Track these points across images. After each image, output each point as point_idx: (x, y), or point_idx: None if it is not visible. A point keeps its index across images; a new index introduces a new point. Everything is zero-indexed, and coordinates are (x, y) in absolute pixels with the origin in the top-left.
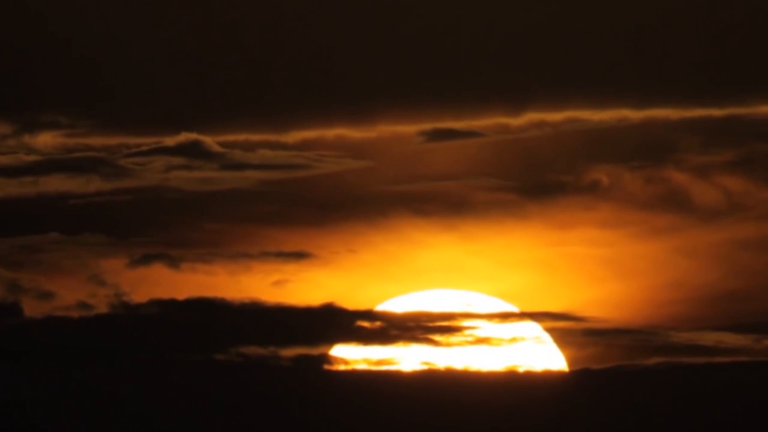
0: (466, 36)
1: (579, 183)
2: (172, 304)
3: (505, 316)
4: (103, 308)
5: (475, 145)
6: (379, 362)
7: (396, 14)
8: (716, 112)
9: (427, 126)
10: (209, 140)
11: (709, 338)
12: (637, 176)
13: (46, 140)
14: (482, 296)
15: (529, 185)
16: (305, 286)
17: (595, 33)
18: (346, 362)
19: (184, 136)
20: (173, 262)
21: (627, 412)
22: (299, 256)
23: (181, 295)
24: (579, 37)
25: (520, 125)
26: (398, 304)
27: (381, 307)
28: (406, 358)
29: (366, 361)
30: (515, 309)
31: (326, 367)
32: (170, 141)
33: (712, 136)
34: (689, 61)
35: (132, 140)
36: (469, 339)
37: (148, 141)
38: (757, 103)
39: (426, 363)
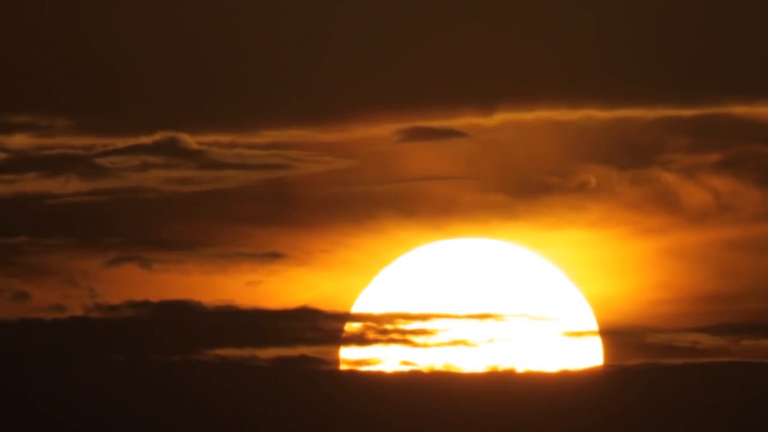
0: (431, 37)
1: (566, 184)
2: (146, 305)
3: (483, 317)
4: (77, 310)
5: (458, 144)
6: (359, 363)
7: (357, 15)
8: (687, 112)
9: (400, 126)
10: (189, 139)
11: (687, 339)
12: (624, 177)
13: (22, 141)
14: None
15: (517, 186)
16: (290, 287)
17: (564, 32)
18: (326, 363)
19: (161, 135)
20: (147, 263)
21: (610, 413)
22: (283, 257)
23: (155, 296)
24: (547, 36)
25: (495, 125)
26: (376, 305)
27: (362, 306)
28: (386, 358)
29: (345, 362)
30: (494, 309)
31: (308, 367)
32: (147, 139)
33: (697, 137)
34: (661, 60)
35: (110, 140)
36: (447, 339)
37: (126, 140)
38: (730, 104)
39: (406, 363)
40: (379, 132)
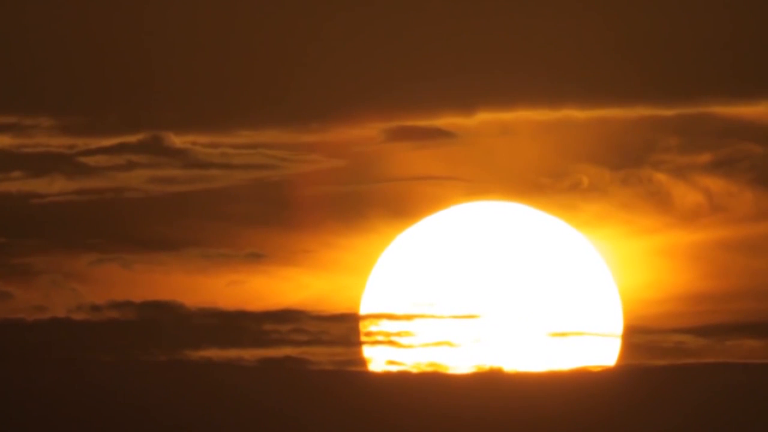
0: (409, 38)
1: (558, 184)
2: (129, 306)
3: (469, 317)
4: (59, 311)
5: (447, 145)
6: (346, 363)
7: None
8: (671, 112)
9: (384, 125)
10: (174, 138)
11: (672, 340)
12: (616, 177)
13: (6, 141)
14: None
15: (509, 187)
16: (277, 288)
17: (541, 33)
18: (313, 364)
19: (146, 134)
20: (130, 264)
21: (594, 414)
22: (270, 257)
23: (138, 297)
24: (524, 37)
25: (477, 126)
26: (362, 305)
27: (349, 307)
28: (372, 360)
29: (333, 363)
30: (480, 310)
31: (295, 367)
32: (132, 138)
33: (687, 137)
34: (642, 60)
35: (94, 139)
36: (432, 340)
37: (110, 139)
38: (718, 104)
39: (393, 362)
40: (363, 132)
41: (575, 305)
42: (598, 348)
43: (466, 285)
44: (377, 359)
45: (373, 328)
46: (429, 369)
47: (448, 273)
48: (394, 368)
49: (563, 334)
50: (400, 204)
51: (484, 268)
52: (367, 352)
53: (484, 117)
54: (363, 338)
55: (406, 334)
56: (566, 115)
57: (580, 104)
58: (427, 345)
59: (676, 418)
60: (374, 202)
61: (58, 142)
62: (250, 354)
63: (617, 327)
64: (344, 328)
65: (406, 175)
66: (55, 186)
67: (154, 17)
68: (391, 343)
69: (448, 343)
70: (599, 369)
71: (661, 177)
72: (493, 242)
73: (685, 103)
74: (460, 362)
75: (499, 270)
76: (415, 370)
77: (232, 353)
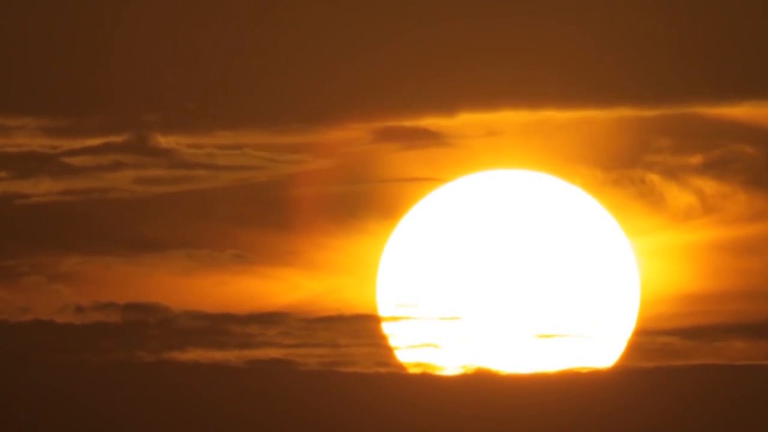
0: (391, 39)
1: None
2: (113, 307)
3: (455, 318)
4: (42, 313)
5: (437, 145)
6: (334, 364)
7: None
8: (649, 113)
9: (370, 126)
10: (160, 138)
11: (659, 341)
12: (608, 178)
13: None
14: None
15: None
16: (266, 290)
17: (518, 30)
18: (302, 366)
19: (132, 134)
20: (114, 265)
21: (582, 415)
22: (258, 259)
23: (122, 299)
24: (506, 37)
25: (460, 126)
26: (353, 306)
27: (339, 308)
28: (360, 361)
29: (320, 363)
30: (466, 311)
31: (284, 368)
32: (118, 139)
33: (677, 138)
34: (626, 60)
35: (80, 139)
36: (418, 341)
37: (96, 139)
38: (693, 104)
39: (381, 363)
40: (349, 133)
41: (564, 306)
42: (587, 349)
43: (452, 285)
44: (365, 361)
45: (362, 330)
46: (417, 370)
47: (433, 273)
48: (382, 369)
49: (551, 336)
50: (390, 204)
51: (470, 268)
52: (358, 353)
53: (465, 118)
54: (352, 340)
55: (393, 336)
56: (550, 116)
57: (562, 105)
58: (413, 347)
59: (663, 420)
60: (364, 202)
61: (43, 143)
62: (236, 356)
63: (608, 328)
64: (333, 330)
65: (395, 176)
66: (40, 187)
67: (138, 17)
68: (378, 344)
69: (435, 345)
70: (587, 370)
71: (654, 178)
72: (482, 238)
73: (669, 104)
74: (449, 364)
75: (485, 269)
76: (403, 371)
77: (218, 355)
